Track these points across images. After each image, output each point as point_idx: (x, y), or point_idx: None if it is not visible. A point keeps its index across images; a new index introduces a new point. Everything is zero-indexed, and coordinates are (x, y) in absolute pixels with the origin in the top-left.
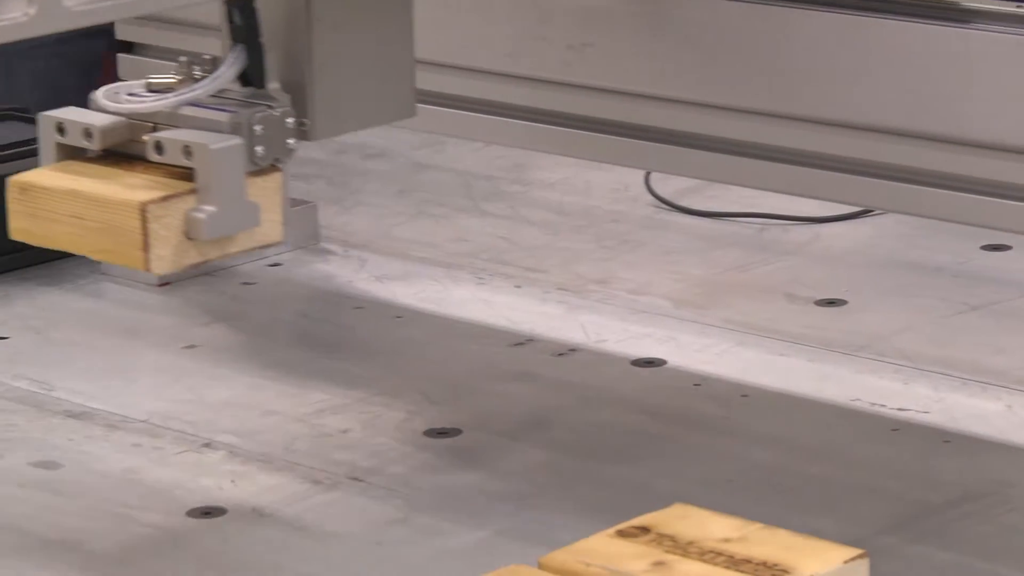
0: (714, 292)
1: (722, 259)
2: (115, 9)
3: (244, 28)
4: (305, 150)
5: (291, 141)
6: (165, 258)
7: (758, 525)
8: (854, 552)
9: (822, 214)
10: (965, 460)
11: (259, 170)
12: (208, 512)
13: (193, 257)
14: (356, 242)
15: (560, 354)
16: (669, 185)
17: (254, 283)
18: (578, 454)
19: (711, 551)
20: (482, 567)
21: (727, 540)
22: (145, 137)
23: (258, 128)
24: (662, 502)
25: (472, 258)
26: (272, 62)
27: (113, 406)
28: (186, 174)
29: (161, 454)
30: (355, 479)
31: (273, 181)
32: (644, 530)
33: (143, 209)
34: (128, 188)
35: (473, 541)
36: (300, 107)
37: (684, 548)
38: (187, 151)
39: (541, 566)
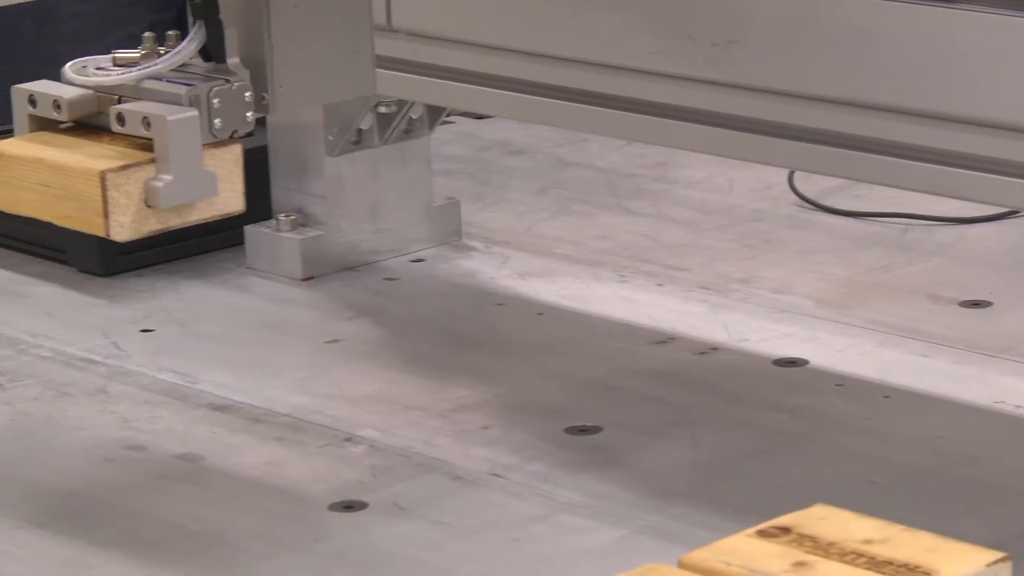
0: (857, 292)
1: (865, 259)
2: None
3: (203, 5)
4: (448, 147)
5: (249, 115)
6: (125, 225)
7: (900, 527)
8: (997, 555)
9: (967, 214)
10: None
11: (219, 142)
12: (349, 506)
13: (153, 225)
14: (498, 239)
15: (702, 353)
16: (813, 184)
17: (397, 278)
18: (719, 453)
19: (852, 552)
20: (622, 565)
21: (868, 541)
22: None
23: (216, 101)
24: (803, 502)
25: (614, 256)
26: (232, 38)
27: (256, 399)
28: (148, 145)
29: (303, 448)
30: (495, 475)
31: (232, 152)
32: (785, 530)
33: (103, 177)
34: (90, 157)
35: (613, 539)
36: (260, 82)
37: (825, 549)
38: (146, 122)
39: (681, 565)
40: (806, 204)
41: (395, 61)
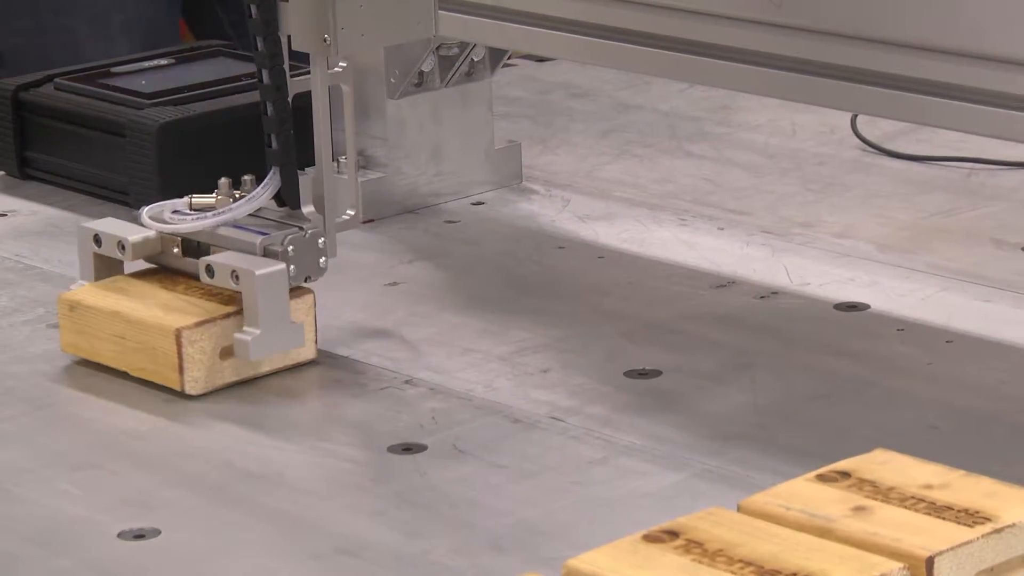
0: (919, 236)
1: (928, 203)
2: None
3: (280, 152)
4: (509, 89)
5: (322, 260)
6: (199, 380)
7: (960, 472)
8: None
9: None
10: None
11: (292, 289)
12: (408, 448)
13: (227, 377)
14: (559, 182)
15: (762, 297)
16: (876, 128)
17: (457, 221)
18: (780, 398)
19: (912, 497)
20: (681, 509)
21: (929, 487)
22: (198, 260)
23: (290, 249)
24: (864, 447)
25: (675, 199)
26: (305, 185)
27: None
28: (223, 297)
29: (363, 390)
30: (555, 419)
31: (305, 302)
32: (845, 475)
33: (178, 334)
34: (166, 312)
35: (672, 483)
36: (322, 23)
37: (885, 494)
38: (234, 275)
39: (740, 509)
40: (869, 148)
41: (458, 2)
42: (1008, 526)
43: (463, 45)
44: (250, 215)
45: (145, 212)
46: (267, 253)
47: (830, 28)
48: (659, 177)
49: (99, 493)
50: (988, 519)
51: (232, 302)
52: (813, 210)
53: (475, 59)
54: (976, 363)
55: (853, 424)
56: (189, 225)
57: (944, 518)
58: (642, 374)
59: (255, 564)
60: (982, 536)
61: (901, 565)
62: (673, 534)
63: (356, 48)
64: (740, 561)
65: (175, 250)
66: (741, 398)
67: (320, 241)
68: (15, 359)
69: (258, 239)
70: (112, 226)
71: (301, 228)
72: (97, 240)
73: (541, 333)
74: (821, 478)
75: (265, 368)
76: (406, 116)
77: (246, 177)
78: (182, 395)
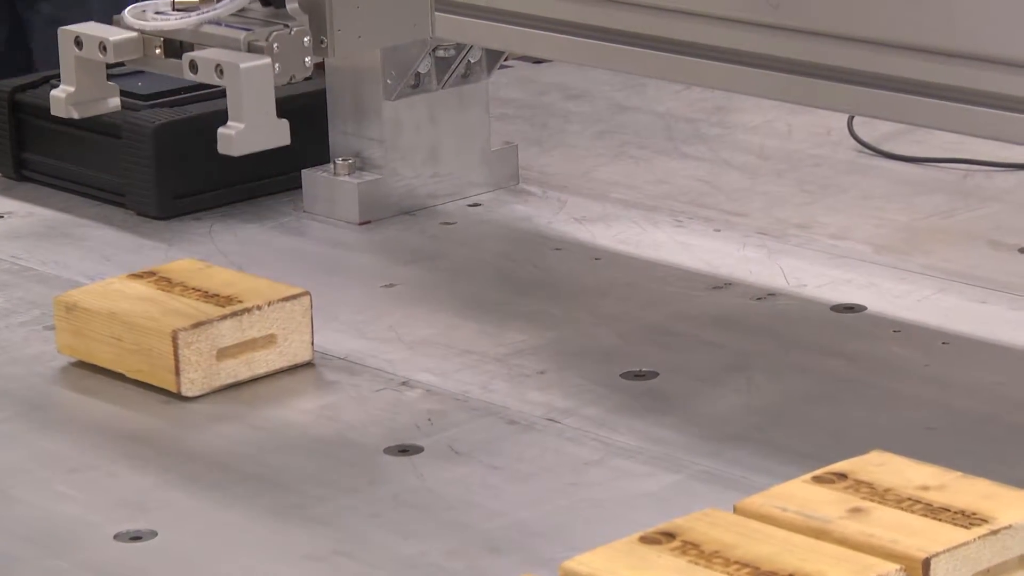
0: (916, 238)
1: (925, 204)
2: None
3: None
4: (506, 91)
5: (308, 60)
6: (196, 381)
7: (957, 474)
8: None
9: None
10: None
11: (289, 296)
12: (405, 450)
13: (224, 378)
14: (555, 183)
15: (759, 298)
16: (873, 129)
17: (454, 223)
18: (776, 399)
19: (909, 499)
20: (677, 510)
21: (925, 488)
22: (182, 57)
23: (275, 46)
24: (860, 449)
25: (672, 200)
26: None
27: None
28: (222, 299)
29: (359, 391)
30: (551, 420)
31: (301, 304)
32: (841, 476)
33: (175, 335)
34: (163, 313)
35: (669, 484)
36: (318, 25)
37: (881, 495)
38: (219, 70)
39: (737, 510)
40: (865, 149)
41: (454, 4)
42: (1005, 527)
43: (459, 47)
44: (234, 15)
45: (127, 13)
46: (251, 49)
47: (826, 29)
48: (655, 178)
49: (95, 494)
50: (985, 520)
51: (229, 303)
52: (809, 211)
53: (471, 61)
54: (972, 364)
55: (849, 425)
56: (172, 23)
57: (941, 519)
58: (638, 375)
59: (251, 565)
60: (979, 537)
61: (898, 567)
62: (669, 535)
63: (352, 50)
64: (736, 563)
65: (157, 51)
66: (737, 399)
67: (306, 39)
68: (11, 361)
69: (242, 35)
70: (93, 28)
71: (286, 25)
72: (78, 43)
73: (537, 334)
74: (817, 479)
75: (262, 370)
76: (403, 118)
77: None
78: (179, 397)
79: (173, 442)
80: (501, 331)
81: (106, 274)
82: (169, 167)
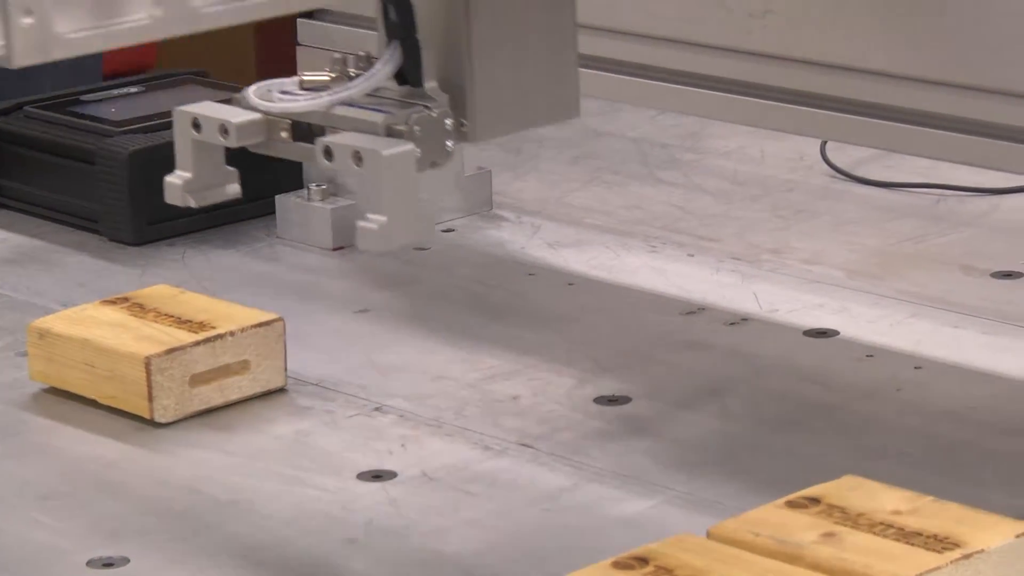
0: (889, 263)
1: (897, 230)
2: (248, 11)
3: (400, 24)
4: None
5: (449, 144)
6: (169, 407)
7: (929, 498)
8: None
9: (1001, 185)
10: None
11: (263, 323)
12: (378, 476)
13: (197, 405)
14: (529, 208)
15: (732, 323)
16: (845, 155)
17: (427, 248)
18: (749, 424)
19: (881, 523)
20: (651, 536)
21: (898, 512)
22: (314, 143)
23: (416, 129)
24: (833, 473)
25: (645, 226)
26: (429, 60)
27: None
28: (192, 326)
29: (332, 417)
30: (525, 445)
31: (275, 330)
32: (814, 501)
33: (147, 362)
34: (136, 340)
35: (642, 509)
36: (459, 107)
37: (854, 520)
38: (357, 157)
39: (710, 535)
40: (838, 174)
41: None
42: (977, 552)
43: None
44: (367, 95)
45: (251, 92)
46: (390, 133)
47: (799, 55)
48: (629, 204)
49: (68, 521)
50: (957, 545)
51: (202, 329)
52: (782, 236)
53: None
54: (945, 389)
55: (823, 450)
56: (301, 104)
57: (913, 544)
58: (612, 401)
59: None
60: (951, 562)
61: None
62: (643, 560)
63: (495, 135)
64: None
65: (283, 134)
66: (711, 424)
67: (447, 122)
68: None
69: (380, 118)
70: (213, 109)
71: (426, 107)
72: (196, 125)
73: (511, 360)
74: (791, 504)
75: (235, 396)
76: None
77: (361, 53)
78: (152, 423)
79: (146, 468)
80: (475, 356)
81: (80, 300)
82: (143, 193)
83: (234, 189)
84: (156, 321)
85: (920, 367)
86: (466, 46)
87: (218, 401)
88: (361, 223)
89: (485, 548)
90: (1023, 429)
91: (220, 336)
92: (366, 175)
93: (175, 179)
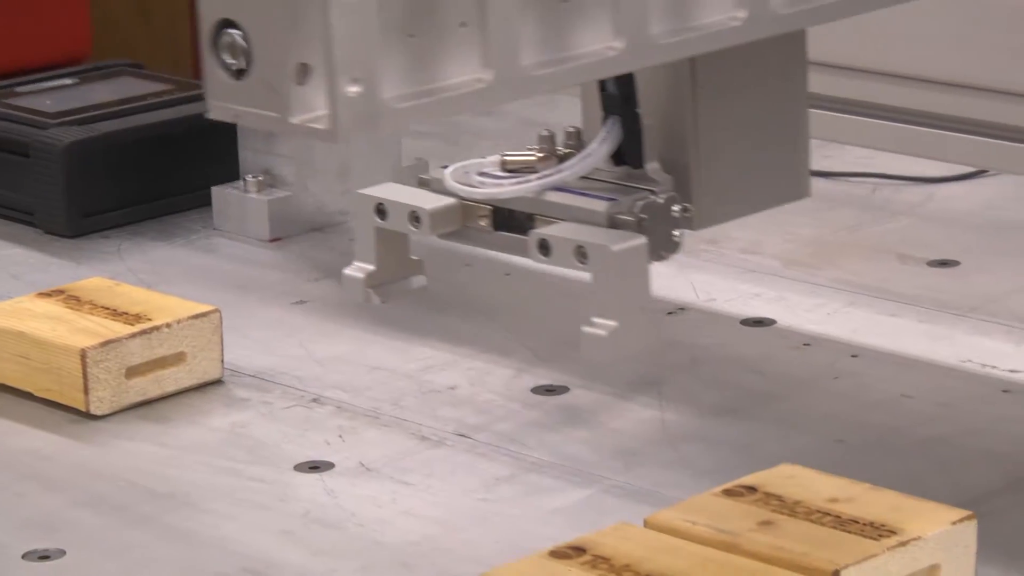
0: (825, 252)
1: (834, 219)
2: (573, 73)
3: (619, 97)
4: None
5: (676, 233)
6: (105, 400)
7: (866, 486)
8: (962, 514)
9: (937, 174)
10: None
11: (199, 314)
12: (315, 467)
13: (133, 396)
14: None
15: (669, 313)
16: None
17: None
18: (687, 413)
19: (818, 511)
20: (588, 525)
21: (834, 500)
22: (527, 235)
23: (643, 218)
24: (770, 462)
25: None
26: (650, 137)
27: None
28: (130, 317)
29: (270, 408)
30: (462, 435)
31: (211, 321)
32: (751, 489)
33: (83, 354)
34: (71, 332)
35: (580, 499)
36: (682, 190)
37: (791, 508)
38: (580, 252)
39: (647, 524)
40: None
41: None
42: (913, 539)
43: None
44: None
45: (449, 175)
46: (614, 223)
47: None
48: None
49: (3, 514)
50: (893, 532)
51: (138, 321)
52: (719, 226)
53: None
54: (882, 377)
55: (760, 439)
56: (508, 189)
57: (850, 532)
58: (549, 390)
59: None
60: (888, 549)
61: None
62: (580, 550)
63: (720, 220)
64: None
65: (482, 222)
66: (649, 414)
67: (674, 208)
68: None
69: (603, 206)
70: (400, 193)
71: (652, 191)
72: (381, 212)
73: (448, 350)
74: (728, 493)
75: (171, 388)
76: None
77: (569, 129)
78: (87, 415)
79: (82, 461)
80: (411, 347)
81: (14, 293)
82: (79, 185)
83: (420, 281)
84: (92, 313)
85: (857, 355)
86: (691, 121)
87: (154, 393)
88: (587, 329)
89: (422, 539)
90: (959, 416)
91: (156, 328)
92: (592, 274)
93: (355, 272)
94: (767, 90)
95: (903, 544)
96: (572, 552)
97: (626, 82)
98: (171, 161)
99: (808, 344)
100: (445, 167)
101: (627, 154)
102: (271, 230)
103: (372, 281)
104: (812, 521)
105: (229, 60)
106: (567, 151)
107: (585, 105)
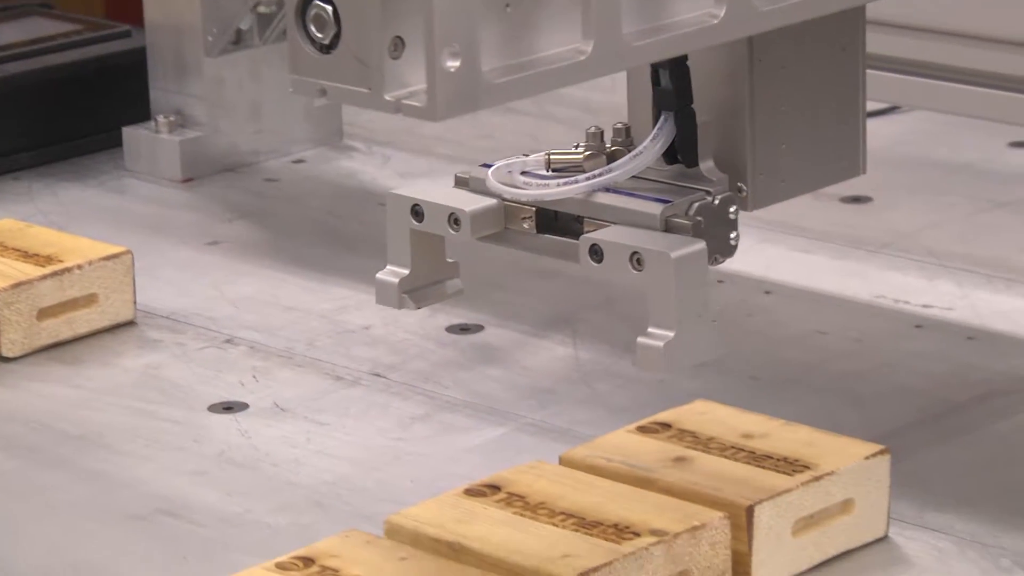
0: None
1: None
2: (676, 43)
3: (674, 93)
4: None
5: (733, 235)
6: (16, 341)
7: (780, 421)
8: (875, 448)
9: None
10: (989, 357)
11: (110, 255)
12: (229, 407)
13: (44, 339)
14: (380, 139)
15: None
16: None
17: (277, 180)
18: (601, 352)
19: (732, 447)
20: (503, 463)
21: (748, 436)
22: (578, 239)
23: (700, 220)
24: (684, 399)
25: (497, 155)
26: (704, 133)
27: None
28: (41, 259)
29: (183, 350)
30: (377, 375)
31: (123, 263)
32: (665, 426)
33: None
34: None
35: (495, 437)
36: (737, 171)
37: (705, 444)
38: (636, 259)
39: (562, 462)
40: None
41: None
42: (827, 474)
43: (281, 2)
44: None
45: (492, 175)
46: (669, 227)
47: None
48: (480, 133)
49: None
50: (807, 467)
51: (49, 263)
52: None
53: None
54: (795, 314)
55: (673, 376)
56: (554, 191)
57: (764, 467)
58: (464, 329)
59: (73, 526)
60: (801, 484)
61: (721, 514)
62: (495, 488)
63: (775, 199)
64: (562, 513)
65: (525, 224)
66: (563, 351)
67: (732, 209)
68: None
69: (657, 208)
70: (437, 194)
71: (708, 192)
72: (417, 213)
73: (363, 290)
74: (642, 430)
75: (84, 329)
76: (224, 74)
77: (617, 125)
78: None
79: None
80: (326, 287)
81: None
82: None
83: (455, 286)
84: (2, 255)
85: (770, 292)
86: (748, 101)
87: (67, 335)
88: (643, 340)
89: (337, 478)
90: (872, 352)
91: (68, 270)
92: (648, 281)
93: (389, 276)
94: (823, 66)
95: (816, 479)
96: (487, 490)
97: (681, 76)
98: (81, 102)
99: (721, 281)
100: (486, 165)
101: (681, 152)
102: (183, 170)
103: (406, 286)
104: (726, 457)
105: (317, 34)
106: (615, 148)
107: (631, 99)
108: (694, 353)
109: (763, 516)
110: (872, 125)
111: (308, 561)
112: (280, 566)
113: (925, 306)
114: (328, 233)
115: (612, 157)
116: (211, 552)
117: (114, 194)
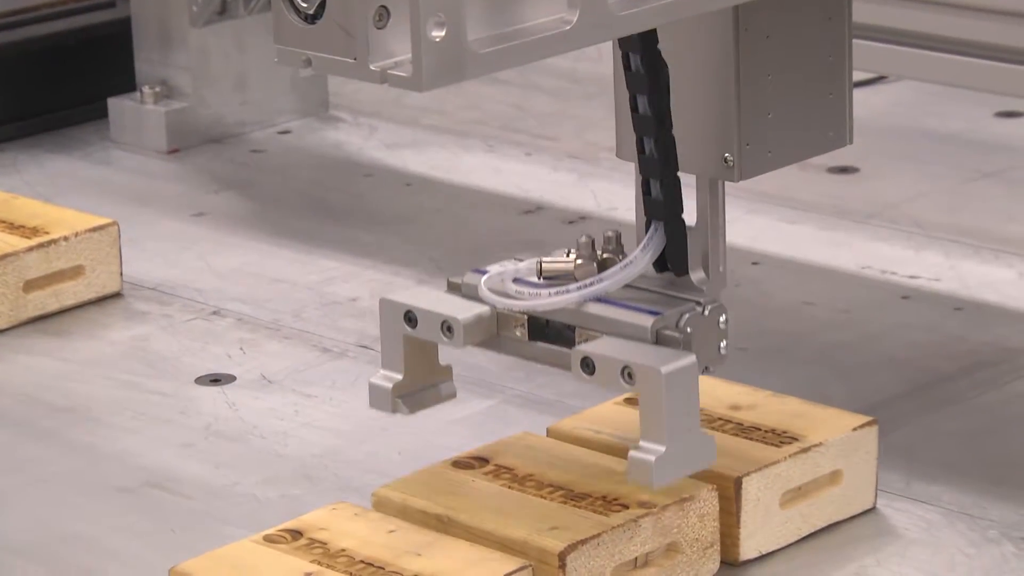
0: None
1: None
2: (661, 12)
3: (664, 203)
4: None
5: (723, 344)
6: (2, 313)
7: (767, 393)
8: (863, 419)
9: None
10: (976, 328)
11: (97, 227)
12: (216, 379)
13: (31, 311)
14: (366, 110)
15: (570, 222)
16: None
17: (263, 151)
18: None
19: (720, 418)
20: (492, 435)
21: (736, 408)
22: (570, 350)
23: (689, 331)
24: None
25: (482, 125)
26: (693, 241)
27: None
28: (26, 231)
29: (170, 322)
30: (364, 347)
31: (109, 235)
32: None
33: None
34: None
35: (483, 409)
36: (724, 140)
37: None
38: (627, 373)
39: (550, 433)
40: None
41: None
42: (815, 445)
43: None
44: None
45: (484, 285)
46: (660, 340)
47: None
48: (465, 104)
49: None
50: (795, 439)
51: (35, 235)
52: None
53: None
54: (782, 285)
55: None
56: (546, 301)
57: (751, 438)
58: None
59: (61, 498)
60: (789, 456)
61: (710, 486)
62: (483, 460)
63: (762, 169)
64: (550, 485)
65: (518, 332)
66: None
67: (721, 319)
68: None
69: (648, 320)
70: (429, 300)
71: (698, 303)
72: (410, 319)
73: (350, 261)
74: (630, 401)
75: (70, 301)
76: (210, 45)
77: (609, 234)
78: None
79: None
80: (313, 259)
81: None
82: None
83: (449, 389)
84: None
85: (758, 263)
86: (733, 70)
87: (53, 307)
88: (634, 454)
89: (324, 451)
90: (859, 323)
91: (54, 241)
92: (640, 395)
93: (382, 381)
94: (809, 36)
95: (804, 451)
96: (475, 462)
97: (672, 184)
98: (66, 72)
99: None
100: (479, 271)
101: (671, 261)
102: (168, 141)
103: (400, 391)
104: (714, 428)
105: (301, 3)
106: (606, 256)
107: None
108: (685, 465)
109: (751, 488)
110: (859, 95)
111: (296, 533)
112: (268, 538)
113: (912, 277)
114: (314, 204)
115: (603, 265)
116: (199, 524)
117: (100, 165)
